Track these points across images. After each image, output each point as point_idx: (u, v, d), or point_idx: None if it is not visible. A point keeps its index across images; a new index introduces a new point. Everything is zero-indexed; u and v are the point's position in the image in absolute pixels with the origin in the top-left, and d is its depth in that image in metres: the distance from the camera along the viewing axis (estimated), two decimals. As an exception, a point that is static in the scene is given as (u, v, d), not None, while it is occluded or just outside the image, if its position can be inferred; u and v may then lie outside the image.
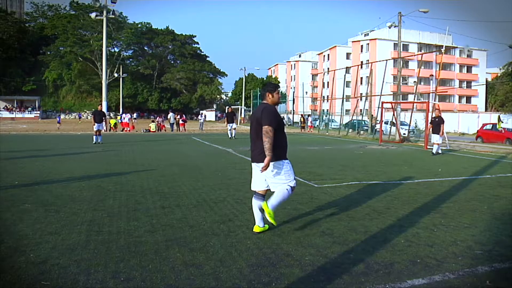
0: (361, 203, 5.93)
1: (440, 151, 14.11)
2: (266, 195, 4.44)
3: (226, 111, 25.85)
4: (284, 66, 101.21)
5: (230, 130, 21.08)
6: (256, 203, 4.40)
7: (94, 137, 16.60)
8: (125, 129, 30.86)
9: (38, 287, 3.00)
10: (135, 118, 57.18)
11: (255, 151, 4.31)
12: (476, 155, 14.17)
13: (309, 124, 36.44)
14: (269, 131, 4.09)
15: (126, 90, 68.42)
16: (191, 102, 75.17)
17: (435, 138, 14.17)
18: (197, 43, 79.60)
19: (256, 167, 4.35)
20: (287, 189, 4.21)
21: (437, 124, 14.21)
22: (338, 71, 36.63)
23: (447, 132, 15.57)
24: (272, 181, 4.26)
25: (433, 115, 14.83)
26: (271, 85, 4.48)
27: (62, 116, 64.74)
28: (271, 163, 4.16)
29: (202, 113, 37.34)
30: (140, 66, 73.98)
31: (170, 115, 32.21)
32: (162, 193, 6.41)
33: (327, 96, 56.69)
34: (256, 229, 4.40)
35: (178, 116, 34.13)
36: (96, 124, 16.46)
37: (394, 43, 54.94)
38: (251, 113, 58.90)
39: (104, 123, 17.02)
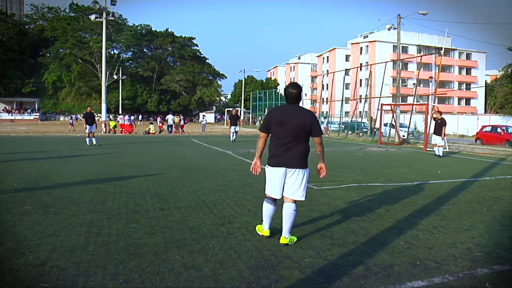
0: (360, 205, 5.94)
1: (440, 154, 14.06)
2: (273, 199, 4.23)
3: (227, 113, 25.62)
4: (283, 68, 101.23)
5: (233, 132, 20.89)
6: (268, 208, 4.16)
7: (87, 139, 16.49)
8: (122, 130, 30.67)
9: (37, 289, 2.99)
10: (140, 120, 57.10)
11: (288, 154, 3.95)
12: (476, 157, 14.18)
13: (324, 126, 34.90)
14: (322, 140, 4.06)
15: (126, 92, 68.49)
16: (191, 104, 75.28)
17: (437, 140, 14.09)
18: (197, 45, 79.89)
19: (281, 172, 4.00)
20: (294, 210, 4.03)
21: (439, 126, 14.14)
22: (337, 73, 36.62)
23: (447, 134, 15.51)
24: (294, 189, 4.01)
25: (435, 116, 14.54)
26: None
27: (61, 118, 64.97)
28: (304, 170, 4.04)
29: (203, 115, 37.42)
30: (139, 68, 74.06)
31: (169, 117, 32.15)
32: (161, 195, 6.41)
33: (327, 98, 56.72)
34: (266, 233, 4.27)
35: (182, 117, 34.01)
36: (87, 126, 16.37)
37: (394, 45, 55.07)
38: (250, 113, 58.63)
39: (95, 125, 16.77)
